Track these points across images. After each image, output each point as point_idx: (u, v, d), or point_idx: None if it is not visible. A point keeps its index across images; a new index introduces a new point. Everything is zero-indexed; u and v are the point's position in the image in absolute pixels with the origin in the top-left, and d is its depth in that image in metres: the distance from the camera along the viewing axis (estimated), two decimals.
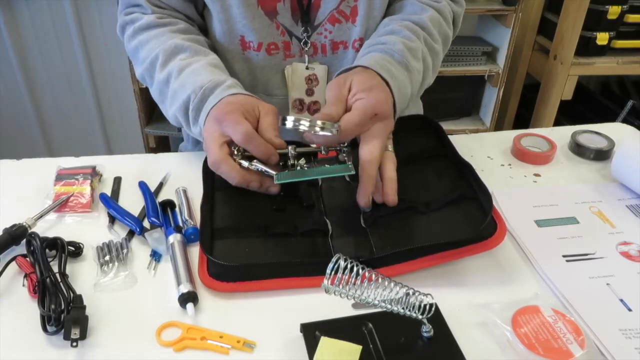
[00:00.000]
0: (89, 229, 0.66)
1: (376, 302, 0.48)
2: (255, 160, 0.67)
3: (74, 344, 0.50)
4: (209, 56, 0.78)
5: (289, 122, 0.65)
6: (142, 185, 0.72)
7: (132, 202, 0.70)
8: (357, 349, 0.48)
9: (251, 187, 0.66)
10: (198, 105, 0.71)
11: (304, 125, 0.64)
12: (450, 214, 0.63)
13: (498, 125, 2.15)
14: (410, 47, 0.76)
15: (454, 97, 2.04)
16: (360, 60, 0.75)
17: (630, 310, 0.55)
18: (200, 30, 0.86)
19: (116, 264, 0.60)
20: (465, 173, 0.68)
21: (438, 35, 0.82)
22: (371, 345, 0.49)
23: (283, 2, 0.79)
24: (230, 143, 0.66)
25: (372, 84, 0.68)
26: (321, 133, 0.66)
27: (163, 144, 2.05)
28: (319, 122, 0.64)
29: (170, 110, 0.76)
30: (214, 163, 0.65)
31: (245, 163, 0.67)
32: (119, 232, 0.66)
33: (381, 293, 0.48)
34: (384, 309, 0.48)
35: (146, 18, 0.80)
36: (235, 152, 0.68)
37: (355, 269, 0.47)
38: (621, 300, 0.56)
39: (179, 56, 0.76)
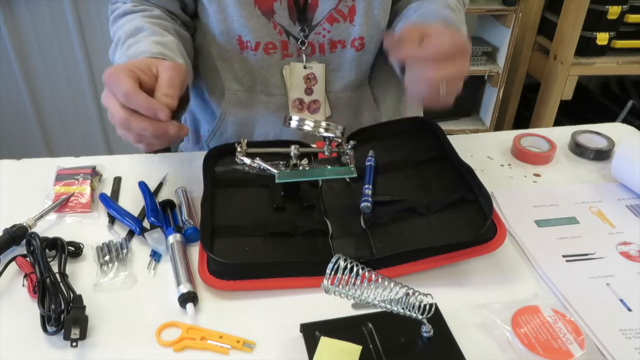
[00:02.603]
0: (89, 229, 0.66)
1: (376, 302, 0.48)
2: (257, 158, 0.67)
3: (74, 344, 0.50)
4: (164, 37, 0.76)
5: (294, 122, 0.65)
6: (142, 185, 0.72)
7: (132, 202, 0.70)
8: (357, 349, 0.48)
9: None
10: None
11: (309, 125, 0.64)
12: (450, 216, 0.63)
13: (498, 125, 2.15)
14: (453, 13, 0.78)
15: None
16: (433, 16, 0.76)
17: (630, 310, 0.55)
18: (187, 27, 0.86)
19: (116, 264, 0.60)
20: (465, 175, 0.68)
21: (462, 14, 0.84)
22: (371, 345, 0.49)
23: (280, 2, 0.79)
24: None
25: (447, 29, 0.69)
26: (325, 134, 0.66)
27: None
28: (323, 123, 0.65)
29: None
30: (125, 94, 0.59)
31: (247, 161, 0.67)
32: (119, 232, 0.66)
33: (381, 293, 0.48)
34: (384, 309, 0.48)
35: (124, 6, 0.82)
36: (239, 149, 0.68)
37: (355, 269, 0.47)
38: (621, 300, 0.56)
39: (137, 36, 0.76)
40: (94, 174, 0.74)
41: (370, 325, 0.51)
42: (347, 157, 0.70)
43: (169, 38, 0.76)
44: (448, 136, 0.77)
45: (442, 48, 0.63)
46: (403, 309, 0.48)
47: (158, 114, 0.60)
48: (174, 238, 0.62)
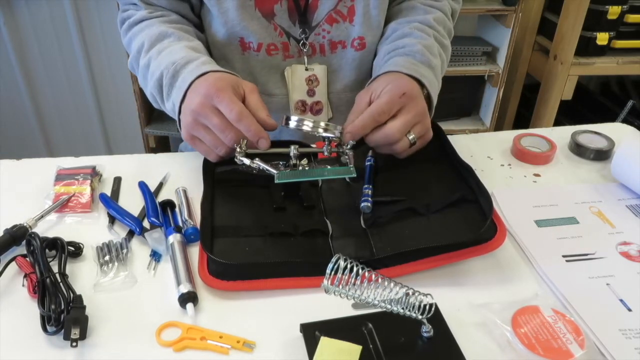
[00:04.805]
0: (89, 229, 0.66)
1: (376, 302, 0.48)
2: (257, 159, 0.67)
3: (74, 344, 0.50)
4: (192, 42, 0.79)
5: (292, 122, 0.65)
6: (142, 185, 0.72)
7: (132, 202, 0.70)
8: (357, 349, 0.48)
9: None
10: (170, 81, 0.73)
11: (307, 125, 0.64)
12: (450, 216, 0.63)
13: (498, 125, 2.15)
14: (427, 45, 0.79)
15: (454, 97, 2.03)
16: (385, 66, 0.76)
17: (630, 310, 0.55)
18: (197, 28, 0.87)
19: (116, 264, 0.60)
20: (465, 175, 0.68)
21: (444, 32, 0.86)
22: (371, 345, 0.49)
23: (280, 4, 0.79)
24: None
25: (393, 78, 0.71)
26: (324, 134, 0.66)
27: (163, 144, 2.05)
28: (322, 123, 0.65)
29: (148, 89, 0.78)
30: (239, 114, 0.64)
31: (246, 161, 0.67)
32: (119, 232, 0.66)
33: (381, 293, 0.48)
34: (384, 309, 0.48)
35: (139, 13, 0.83)
36: (238, 150, 0.68)
37: (355, 269, 0.47)
38: (621, 300, 0.56)
39: (163, 42, 0.77)
40: (94, 174, 0.74)
41: (370, 325, 0.51)
42: (347, 157, 0.70)
43: (196, 42, 0.79)
44: (448, 136, 0.77)
45: (378, 108, 0.67)
46: (403, 309, 0.48)
47: (260, 143, 0.65)
48: (174, 238, 0.62)
